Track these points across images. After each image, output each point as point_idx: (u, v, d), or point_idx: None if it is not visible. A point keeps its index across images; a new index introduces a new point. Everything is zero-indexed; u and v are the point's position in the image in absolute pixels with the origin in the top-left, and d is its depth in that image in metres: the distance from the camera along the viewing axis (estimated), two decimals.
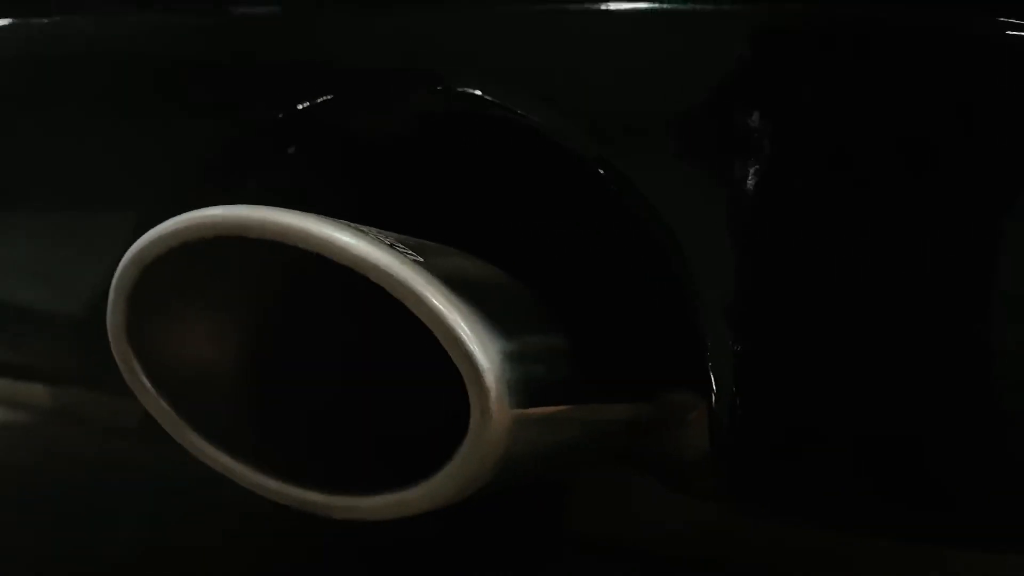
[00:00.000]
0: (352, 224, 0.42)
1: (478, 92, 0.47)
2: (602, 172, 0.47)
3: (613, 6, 0.47)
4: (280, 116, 0.51)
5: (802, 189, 0.45)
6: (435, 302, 0.41)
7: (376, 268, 0.40)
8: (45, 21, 0.58)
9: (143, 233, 0.45)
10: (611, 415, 0.54)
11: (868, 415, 0.45)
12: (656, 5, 0.48)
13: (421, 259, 0.41)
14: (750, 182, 0.46)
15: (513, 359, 0.43)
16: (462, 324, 0.41)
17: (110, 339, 0.48)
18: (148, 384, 0.49)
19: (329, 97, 0.50)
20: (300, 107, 0.50)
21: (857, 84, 0.44)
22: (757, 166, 0.46)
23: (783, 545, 1.35)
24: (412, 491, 0.45)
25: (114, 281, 0.46)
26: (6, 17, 0.60)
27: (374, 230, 0.42)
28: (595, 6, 0.47)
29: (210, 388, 0.50)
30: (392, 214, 0.51)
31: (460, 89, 0.47)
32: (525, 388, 0.44)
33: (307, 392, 0.51)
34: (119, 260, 0.46)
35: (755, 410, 0.45)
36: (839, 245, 0.44)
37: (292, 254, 0.44)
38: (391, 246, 0.41)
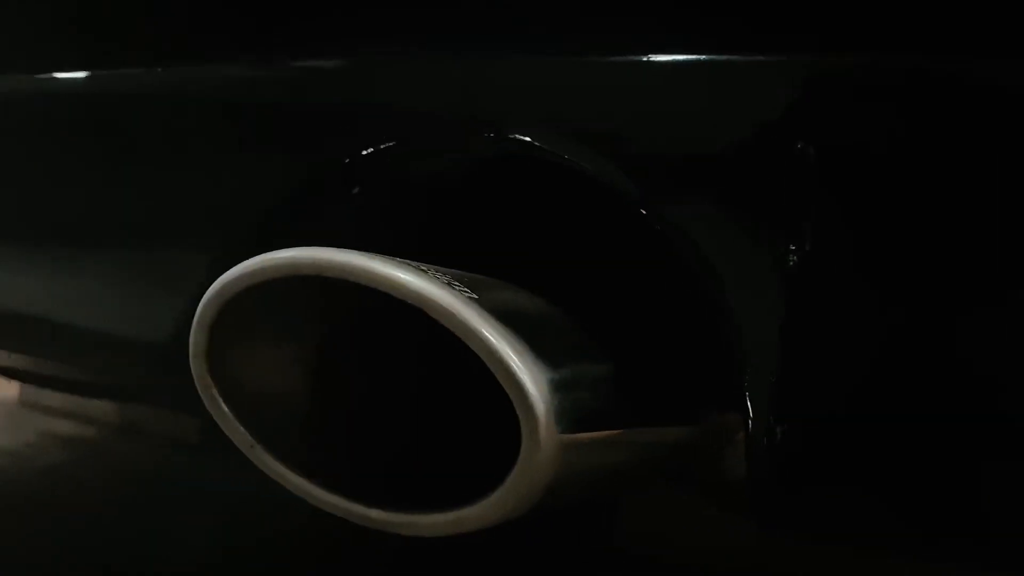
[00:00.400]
0: (413, 263, 0.46)
1: (529, 139, 0.51)
2: (646, 213, 0.51)
3: (658, 58, 0.50)
4: (346, 161, 0.56)
5: (839, 231, 0.48)
6: (488, 336, 0.44)
7: (434, 304, 0.44)
8: (126, 72, 0.64)
9: (217, 270, 0.49)
10: (656, 439, 0.57)
11: (905, 444, 0.47)
12: (698, 57, 0.51)
13: (475, 296, 0.45)
14: (791, 224, 0.48)
15: (561, 387, 0.47)
16: (513, 357, 0.44)
17: (192, 367, 0.52)
18: (226, 408, 0.53)
19: (391, 143, 0.54)
20: (364, 152, 0.55)
21: (903, 134, 0.46)
22: (799, 209, 0.48)
23: (828, 564, 1.35)
24: (468, 510, 0.48)
25: (197, 313, 0.50)
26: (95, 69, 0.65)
27: (433, 268, 0.46)
28: (640, 58, 0.51)
29: (282, 412, 0.54)
30: (449, 251, 0.54)
31: (513, 136, 0.51)
32: (573, 415, 0.47)
33: (370, 416, 0.55)
34: (195, 294, 0.50)
35: (790, 438, 0.47)
36: (879, 286, 0.47)
37: (360, 292, 0.48)
38: (448, 284, 0.44)
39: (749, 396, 0.48)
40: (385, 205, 0.59)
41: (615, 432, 0.52)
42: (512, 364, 0.44)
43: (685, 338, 0.57)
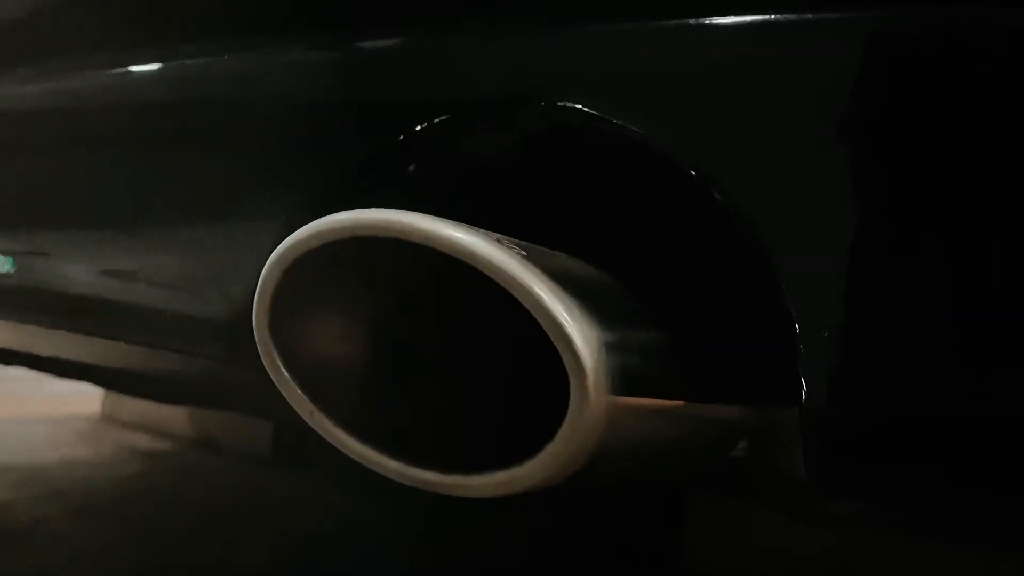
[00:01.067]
0: (465, 224, 0.47)
1: (580, 106, 0.52)
2: (701, 181, 0.51)
3: (705, 21, 0.51)
4: (402, 137, 0.57)
5: (894, 200, 0.47)
6: (538, 291, 0.45)
7: (486, 260, 0.45)
8: (192, 62, 0.67)
9: None
10: (710, 415, 0.57)
11: (960, 415, 0.46)
12: (752, 18, 0.51)
13: (526, 254, 0.46)
14: (841, 190, 0.48)
15: (612, 348, 0.47)
16: (563, 313, 0.45)
17: (255, 333, 0.54)
18: (287, 375, 0.54)
19: (445, 117, 0.56)
20: (419, 127, 0.56)
21: (971, 94, 0.46)
22: (853, 177, 0.48)
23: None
24: (517, 470, 0.49)
25: (260, 281, 0.52)
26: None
27: (483, 230, 0.47)
28: (691, 21, 0.51)
29: (341, 378, 0.55)
30: (504, 223, 0.55)
31: (564, 104, 0.52)
32: (622, 378, 0.48)
33: (427, 381, 0.56)
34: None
35: (845, 412, 0.47)
36: (941, 257, 0.46)
37: (415, 256, 0.50)
38: (499, 241, 0.46)
39: (804, 379, 0.47)
40: (442, 182, 0.60)
41: (666, 402, 0.52)
42: (562, 319, 0.45)
43: (742, 315, 0.56)
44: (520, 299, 0.45)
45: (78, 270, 0.75)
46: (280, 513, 1.82)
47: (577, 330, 0.45)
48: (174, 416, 2.34)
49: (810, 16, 0.49)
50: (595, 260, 0.54)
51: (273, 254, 0.51)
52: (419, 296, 0.56)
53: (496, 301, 0.48)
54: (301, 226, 0.51)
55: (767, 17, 0.50)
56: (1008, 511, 0.48)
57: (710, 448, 0.61)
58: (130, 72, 0.72)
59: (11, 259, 0.78)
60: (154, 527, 1.68)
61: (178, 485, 2.01)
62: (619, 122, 0.51)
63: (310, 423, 0.55)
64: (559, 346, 0.45)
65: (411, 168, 0.59)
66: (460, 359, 0.58)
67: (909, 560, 1.36)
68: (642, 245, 0.58)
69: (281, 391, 0.55)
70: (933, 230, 0.46)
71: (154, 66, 0.71)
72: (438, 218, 0.47)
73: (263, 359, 0.54)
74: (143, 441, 2.32)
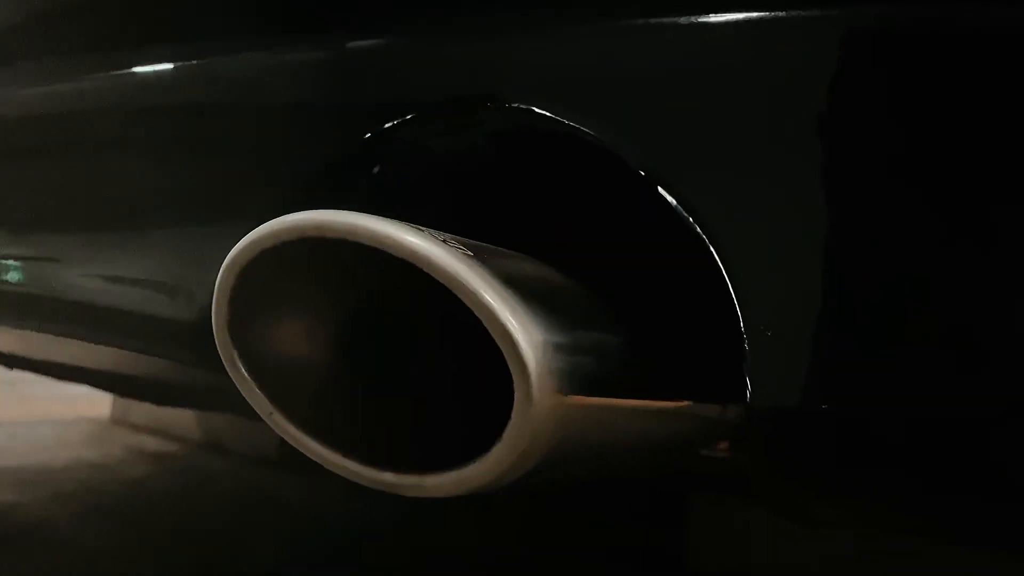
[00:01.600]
0: (412, 224, 0.47)
1: (535, 109, 0.52)
2: (652, 181, 0.51)
3: (655, 20, 0.51)
4: (367, 137, 0.58)
5: (840, 201, 0.47)
6: (481, 292, 0.45)
7: (428, 260, 0.45)
8: (173, 67, 0.68)
9: None
10: (664, 413, 0.56)
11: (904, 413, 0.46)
12: (702, 19, 0.51)
13: (471, 254, 0.46)
14: (788, 190, 0.48)
15: (560, 349, 0.47)
16: (507, 313, 0.45)
17: (215, 335, 0.54)
18: (247, 375, 0.55)
19: (408, 117, 0.56)
20: (385, 127, 0.57)
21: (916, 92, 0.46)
22: (801, 178, 0.48)
23: None
24: (468, 470, 0.49)
25: (217, 282, 0.52)
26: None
27: (431, 230, 0.47)
28: (641, 21, 0.51)
29: (300, 379, 0.56)
30: (466, 224, 0.56)
31: (518, 106, 0.52)
32: (572, 378, 0.48)
33: (384, 383, 0.56)
34: None
35: (790, 408, 0.47)
36: (885, 258, 0.46)
37: (369, 258, 0.50)
38: (444, 242, 0.46)
39: (750, 376, 0.47)
40: (403, 185, 0.61)
41: (619, 401, 0.52)
42: (505, 319, 0.45)
43: (692, 314, 0.56)
44: (464, 299, 0.46)
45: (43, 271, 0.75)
46: (287, 515, 1.84)
47: (521, 331, 0.45)
48: (183, 419, 2.37)
49: (759, 15, 0.49)
50: (550, 261, 0.54)
51: (228, 256, 0.51)
52: (375, 297, 0.56)
53: (449, 302, 0.48)
54: None
55: (718, 17, 0.50)
56: (955, 504, 0.47)
57: (673, 447, 0.61)
58: (84, 76, 0.73)
59: None
60: (161, 529, 1.70)
61: (186, 487, 2.03)
62: (569, 123, 0.51)
63: (269, 424, 0.55)
64: (502, 347, 0.45)
65: (374, 171, 0.59)
66: (415, 360, 0.58)
67: (912, 563, 1.35)
68: (595, 246, 0.58)
69: (241, 392, 0.55)
70: (879, 230, 0.46)
71: (112, 69, 0.71)
72: (385, 219, 0.47)
73: (223, 360, 0.55)
74: (152, 444, 2.34)
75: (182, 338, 0.65)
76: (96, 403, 2.61)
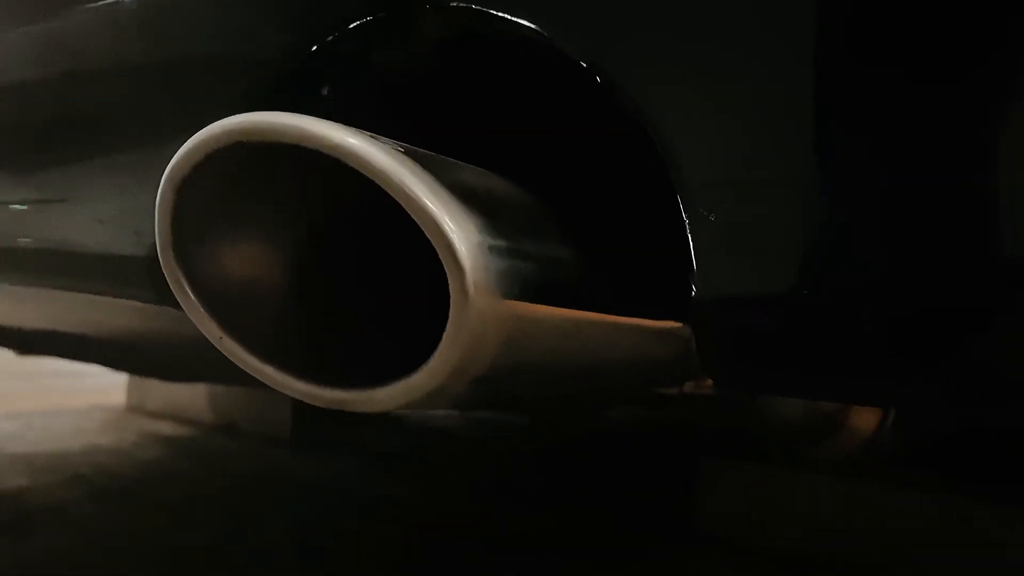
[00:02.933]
0: (344, 125, 0.46)
1: (474, 6, 0.50)
2: (599, 80, 0.49)
3: None
4: (310, 52, 0.56)
5: (786, 106, 0.45)
6: (416, 191, 0.44)
7: (356, 155, 0.44)
8: None
9: None
10: (606, 329, 0.55)
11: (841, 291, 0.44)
12: None
13: (402, 149, 0.45)
14: (737, 95, 0.46)
15: (500, 253, 0.46)
16: (442, 212, 0.44)
17: (160, 257, 0.53)
18: (195, 299, 0.54)
19: (349, 28, 0.54)
20: (328, 39, 0.55)
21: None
22: (750, 83, 0.46)
23: (910, 553, 1.29)
24: (414, 378, 0.48)
25: (157, 201, 0.51)
26: None
27: (371, 134, 0.46)
28: None
29: (248, 303, 0.55)
30: (414, 135, 0.54)
31: (457, 4, 0.51)
32: (510, 280, 0.46)
33: (329, 299, 0.55)
34: None
35: (733, 311, 0.45)
36: (822, 167, 0.44)
37: (310, 169, 0.49)
38: (384, 144, 0.44)
39: (695, 280, 0.45)
40: (353, 97, 0.59)
41: (562, 310, 0.50)
42: (438, 217, 0.44)
43: (638, 223, 0.55)
44: (396, 197, 0.44)
45: None
46: (298, 494, 1.84)
47: (455, 229, 0.44)
48: (197, 403, 2.38)
49: None
50: (499, 169, 0.53)
51: (165, 173, 0.50)
52: (319, 212, 0.55)
53: (392, 215, 0.47)
54: None
55: None
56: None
57: (622, 365, 0.59)
58: None
59: None
60: (173, 509, 1.70)
61: (198, 469, 2.03)
62: (511, 18, 0.49)
63: (220, 348, 0.54)
64: (436, 245, 0.44)
65: (322, 84, 0.58)
66: (361, 275, 0.57)
67: (918, 516, 1.33)
68: (543, 153, 0.56)
69: (190, 317, 0.54)
70: (821, 138, 0.44)
71: None
72: (315, 119, 0.45)
73: (170, 283, 0.54)
74: (166, 428, 2.35)
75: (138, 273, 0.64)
76: (112, 392, 2.63)
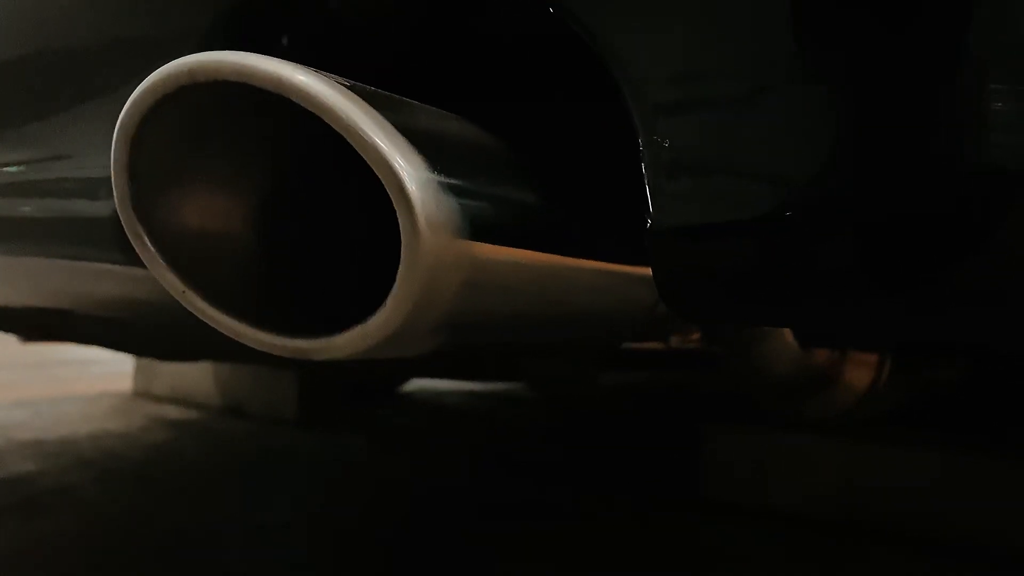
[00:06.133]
0: (290, 62, 0.45)
1: None
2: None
3: None
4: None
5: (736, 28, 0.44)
6: (364, 127, 0.43)
7: (300, 91, 0.43)
8: None
9: None
10: (579, 274, 0.54)
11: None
12: None
13: (347, 84, 0.44)
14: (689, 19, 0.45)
15: (451, 190, 0.45)
16: (387, 143, 0.43)
17: (119, 211, 0.53)
18: (156, 253, 0.53)
19: None
20: None
21: None
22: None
23: (912, 511, 1.28)
24: (371, 322, 0.47)
25: (112, 155, 0.51)
26: None
27: (312, 68, 0.45)
28: None
29: (210, 255, 0.54)
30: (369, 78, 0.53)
31: None
32: (463, 218, 0.45)
33: (289, 248, 0.54)
34: None
35: (691, 220, 0.44)
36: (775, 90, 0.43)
37: (273, 122, 0.48)
38: (318, 73, 0.43)
39: (650, 205, 0.44)
40: (311, 46, 0.59)
41: (521, 252, 0.49)
42: (387, 154, 0.43)
43: (597, 165, 0.54)
44: (345, 135, 0.43)
45: None
46: (304, 474, 1.84)
47: (404, 166, 0.43)
48: (203, 386, 2.38)
49: None
50: (456, 110, 0.52)
51: (116, 125, 0.49)
52: (280, 162, 0.54)
53: (349, 160, 0.46)
54: None
55: None
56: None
57: (597, 309, 0.58)
58: None
59: None
60: (180, 491, 1.71)
61: (205, 451, 2.04)
62: None
63: (182, 303, 0.54)
64: (385, 181, 0.43)
65: (278, 28, 0.57)
66: (325, 225, 0.56)
67: (919, 474, 1.32)
68: (497, 90, 0.55)
69: (152, 271, 0.54)
70: (772, 57, 0.43)
71: None
72: (260, 55, 0.45)
73: (130, 239, 0.53)
74: (173, 412, 2.36)
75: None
76: (119, 379, 2.64)
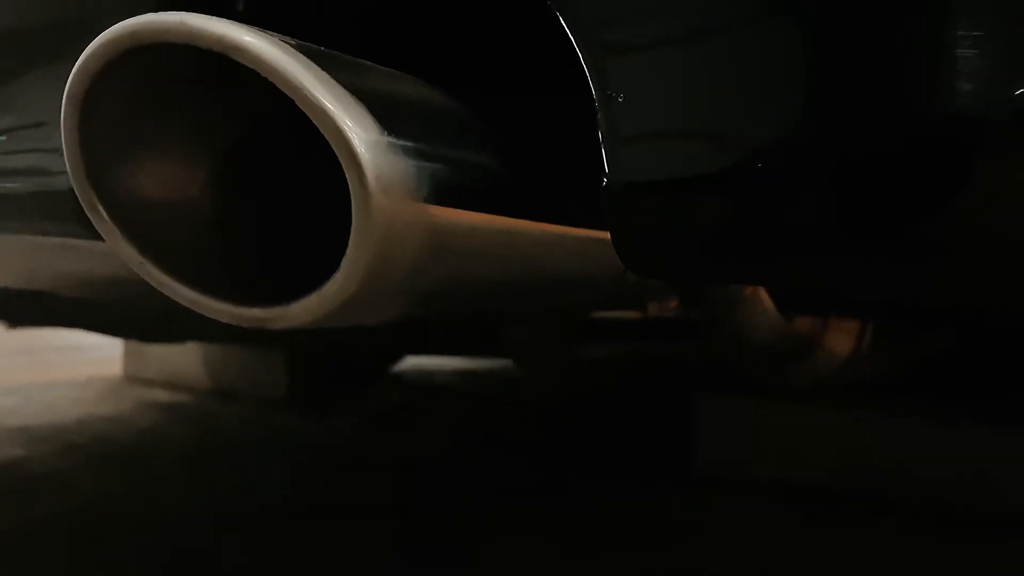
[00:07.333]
0: (237, 23, 0.44)
1: None
2: None
3: None
4: None
5: None
6: (307, 86, 0.42)
7: (247, 51, 0.42)
8: None
9: None
10: (541, 237, 0.53)
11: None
12: None
13: (294, 43, 0.43)
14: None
15: (402, 151, 0.44)
16: (333, 102, 0.42)
17: (73, 182, 0.52)
18: (111, 223, 0.52)
19: None
20: None
21: None
22: None
23: (908, 476, 1.28)
24: (326, 288, 0.46)
25: (62, 120, 0.50)
26: None
27: (259, 29, 0.44)
28: None
29: (168, 225, 0.53)
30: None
31: None
32: (416, 180, 0.44)
33: (243, 214, 0.54)
34: None
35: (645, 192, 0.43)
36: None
37: (227, 87, 0.47)
38: (266, 34, 0.43)
39: (605, 161, 0.43)
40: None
41: (479, 215, 0.49)
42: (333, 112, 0.42)
43: (560, 132, 0.53)
44: (291, 95, 0.42)
45: None
46: (294, 455, 1.84)
47: (352, 126, 0.42)
48: (193, 369, 2.38)
49: None
50: (412, 71, 0.51)
51: (65, 89, 0.48)
52: (236, 128, 0.53)
53: (308, 124, 0.45)
54: None
55: None
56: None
57: (566, 275, 0.57)
58: None
59: None
60: (171, 474, 1.71)
61: (195, 434, 2.04)
62: None
63: (140, 273, 0.53)
64: (332, 142, 0.42)
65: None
66: (281, 188, 0.56)
67: (912, 441, 1.32)
68: (451, 50, 0.54)
69: (108, 242, 0.53)
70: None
71: None
72: (210, 17, 0.44)
73: (85, 209, 0.52)
74: (163, 396, 2.35)
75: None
76: (109, 363, 2.64)
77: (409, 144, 0.45)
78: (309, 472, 1.71)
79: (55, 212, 0.64)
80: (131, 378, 2.55)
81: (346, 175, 0.42)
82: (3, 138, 0.66)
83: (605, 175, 0.43)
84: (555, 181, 0.54)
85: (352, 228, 0.43)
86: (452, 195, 0.47)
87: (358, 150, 0.42)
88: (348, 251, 0.44)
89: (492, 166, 0.51)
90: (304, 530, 1.28)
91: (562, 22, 0.42)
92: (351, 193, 0.42)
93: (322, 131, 0.42)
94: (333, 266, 0.47)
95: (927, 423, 1.31)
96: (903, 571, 1.12)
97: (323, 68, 0.43)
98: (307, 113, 0.42)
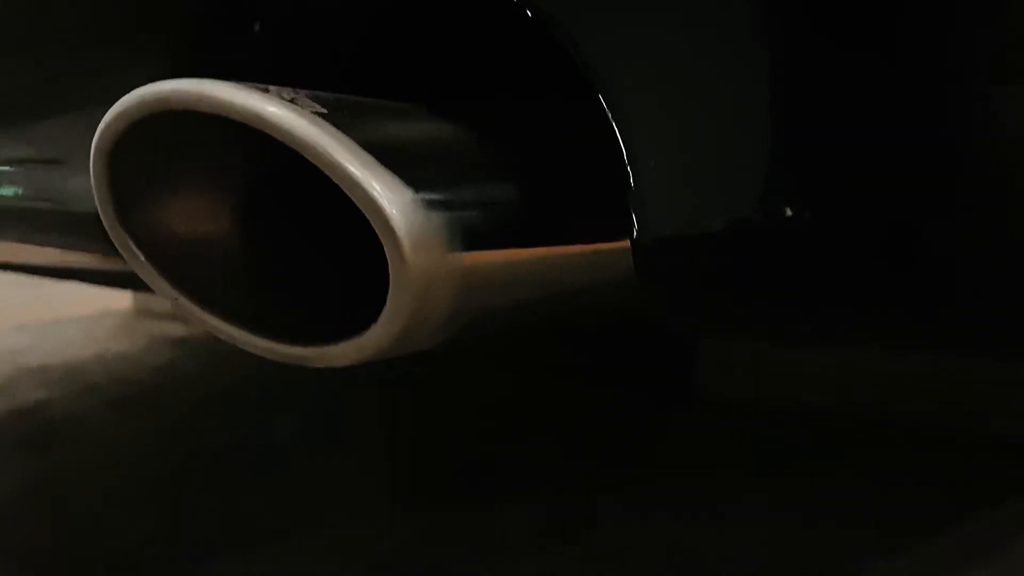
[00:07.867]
0: (258, 86, 0.44)
1: None
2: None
3: None
4: None
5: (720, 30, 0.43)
6: (334, 154, 0.43)
7: (276, 125, 0.43)
8: None
9: None
10: (573, 258, 0.54)
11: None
12: None
13: (324, 111, 0.43)
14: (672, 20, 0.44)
15: (433, 205, 0.45)
16: (365, 172, 0.43)
17: (104, 222, 0.53)
18: (146, 261, 0.54)
19: None
20: None
21: None
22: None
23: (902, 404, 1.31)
24: (365, 337, 0.48)
25: (91, 171, 0.50)
26: None
27: (280, 89, 0.44)
28: None
29: (202, 260, 0.55)
30: (347, 82, 0.52)
31: None
32: (450, 233, 0.45)
33: (282, 254, 0.55)
34: None
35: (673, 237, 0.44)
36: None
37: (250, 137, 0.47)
38: (292, 101, 0.43)
39: (634, 207, 0.44)
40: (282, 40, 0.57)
41: (512, 251, 0.50)
42: (365, 182, 0.43)
43: (577, 154, 0.53)
44: (319, 165, 0.43)
45: None
46: (312, 393, 1.88)
47: (384, 193, 0.43)
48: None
49: None
50: (425, 109, 0.51)
51: (92, 145, 0.49)
52: (262, 164, 0.54)
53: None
54: None
55: None
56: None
57: (579, 292, 0.59)
58: None
59: None
60: (189, 414, 1.74)
61: (208, 370, 2.07)
62: None
63: (175, 309, 0.54)
64: (367, 213, 0.43)
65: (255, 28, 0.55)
66: (310, 229, 0.56)
67: (911, 372, 1.35)
68: (470, 87, 0.54)
69: (143, 279, 0.54)
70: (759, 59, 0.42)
71: None
72: (230, 83, 0.44)
73: (120, 250, 0.54)
74: (175, 330, 2.38)
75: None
76: (118, 296, 2.66)
77: (437, 197, 0.46)
78: (318, 410, 1.73)
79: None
80: (142, 312, 2.57)
81: (381, 241, 0.43)
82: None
83: (635, 228, 0.44)
84: (580, 202, 0.55)
85: (390, 286, 0.44)
86: (483, 238, 0.48)
87: (390, 213, 0.43)
88: (387, 308, 0.45)
89: (515, 199, 0.51)
90: (323, 468, 1.31)
91: (600, 96, 0.42)
92: (388, 258, 0.43)
93: (352, 199, 0.43)
94: (376, 297, 0.49)
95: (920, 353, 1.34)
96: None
97: (345, 130, 0.43)
98: (337, 183, 0.43)
